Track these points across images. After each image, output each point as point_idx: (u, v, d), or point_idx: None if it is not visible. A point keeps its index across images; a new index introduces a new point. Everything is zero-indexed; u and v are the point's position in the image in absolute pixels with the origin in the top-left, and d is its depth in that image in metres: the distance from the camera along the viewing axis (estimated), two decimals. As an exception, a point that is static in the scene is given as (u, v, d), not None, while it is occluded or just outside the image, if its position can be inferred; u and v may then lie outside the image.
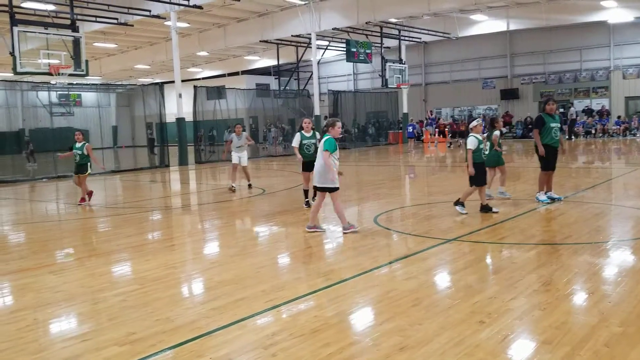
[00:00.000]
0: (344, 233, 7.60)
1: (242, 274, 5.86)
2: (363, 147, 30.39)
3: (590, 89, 32.64)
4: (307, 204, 9.99)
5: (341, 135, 12.32)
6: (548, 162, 9.48)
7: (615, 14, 27.26)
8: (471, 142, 8.69)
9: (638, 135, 29.06)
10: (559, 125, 9.51)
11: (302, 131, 9.96)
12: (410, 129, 29.37)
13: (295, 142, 9.94)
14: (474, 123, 8.95)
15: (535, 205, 9.38)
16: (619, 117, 30.45)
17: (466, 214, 8.69)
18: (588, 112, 31.82)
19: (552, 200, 9.66)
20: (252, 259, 6.58)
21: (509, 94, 34.95)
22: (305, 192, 10.16)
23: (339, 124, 7.73)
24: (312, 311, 4.64)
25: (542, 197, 9.63)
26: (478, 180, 8.71)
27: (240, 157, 13.31)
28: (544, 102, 9.79)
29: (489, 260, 6.37)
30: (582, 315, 4.39)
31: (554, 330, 3.98)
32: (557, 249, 6.42)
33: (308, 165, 9.51)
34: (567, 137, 28.86)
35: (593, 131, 30.41)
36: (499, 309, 4.47)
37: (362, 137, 35.31)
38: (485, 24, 30.56)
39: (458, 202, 8.89)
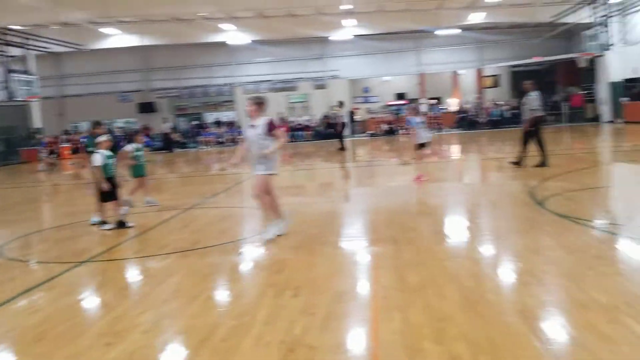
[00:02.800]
0: None
1: None
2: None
3: (218, 102, 35.90)
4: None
5: None
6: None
7: (233, 37, 30.66)
8: (96, 159, 8.58)
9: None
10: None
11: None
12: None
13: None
14: (101, 138, 8.81)
15: (169, 215, 9.68)
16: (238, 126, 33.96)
17: (112, 228, 8.55)
18: (217, 123, 35.05)
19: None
20: None
21: (146, 108, 35.46)
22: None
23: None
24: None
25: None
26: (109, 195, 8.67)
27: None
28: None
29: (121, 277, 6.33)
30: (204, 316, 4.74)
31: (184, 336, 4.21)
32: (188, 255, 6.79)
33: None
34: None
35: (224, 140, 33.25)
36: (126, 326, 4.48)
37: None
38: (119, 38, 30.24)
39: (101, 223, 8.73)
